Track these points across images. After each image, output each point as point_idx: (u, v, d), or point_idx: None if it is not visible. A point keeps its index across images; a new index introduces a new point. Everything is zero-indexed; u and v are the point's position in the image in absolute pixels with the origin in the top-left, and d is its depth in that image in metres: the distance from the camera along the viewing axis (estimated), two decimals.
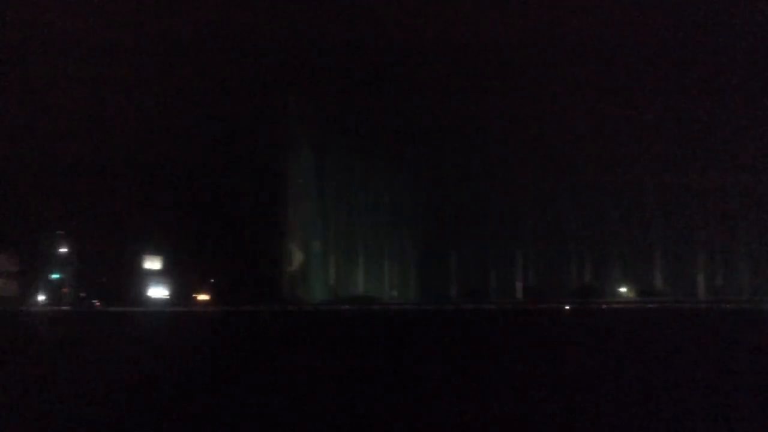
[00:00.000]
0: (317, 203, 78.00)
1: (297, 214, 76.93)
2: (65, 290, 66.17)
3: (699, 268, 68.35)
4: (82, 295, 65.99)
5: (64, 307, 58.81)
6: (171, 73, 65.96)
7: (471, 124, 71.61)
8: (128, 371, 14.26)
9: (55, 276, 67.20)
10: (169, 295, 68.34)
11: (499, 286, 71.77)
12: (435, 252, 76.35)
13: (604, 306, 57.01)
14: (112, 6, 63.43)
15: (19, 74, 61.76)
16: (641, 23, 65.37)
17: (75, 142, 63.83)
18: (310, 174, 78.00)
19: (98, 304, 61.00)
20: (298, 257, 76.52)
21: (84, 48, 63.56)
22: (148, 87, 64.91)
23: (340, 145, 74.15)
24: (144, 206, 64.91)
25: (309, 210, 77.51)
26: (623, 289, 69.47)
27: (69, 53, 63.43)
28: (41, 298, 63.10)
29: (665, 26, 65.61)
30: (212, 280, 66.48)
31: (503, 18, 68.54)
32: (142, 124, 65.82)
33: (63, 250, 65.62)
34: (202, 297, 69.21)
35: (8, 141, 61.96)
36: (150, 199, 65.24)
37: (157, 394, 11.05)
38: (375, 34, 70.22)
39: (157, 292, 69.34)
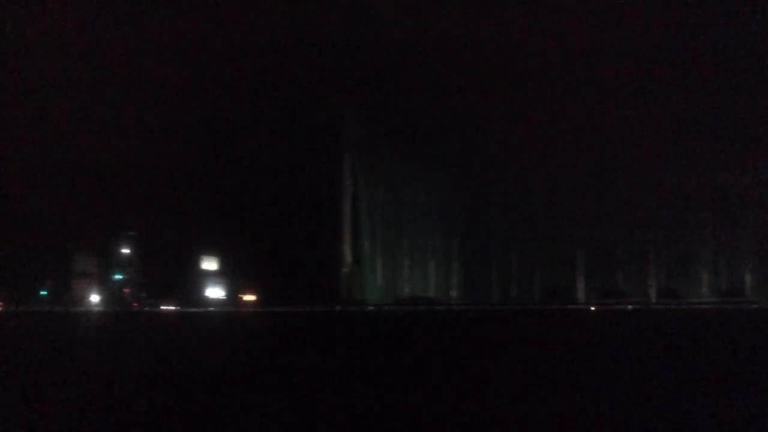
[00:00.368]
0: (370, 203, 78.35)
1: (349, 214, 77.44)
2: (127, 291, 67.92)
3: None
4: (143, 295, 69.28)
5: (116, 309, 60.53)
6: (225, 75, 67.06)
7: (524, 121, 71.44)
8: (194, 372, 14.48)
9: (117, 277, 68.55)
10: (226, 295, 69.54)
11: (562, 287, 71.21)
12: (492, 252, 75.89)
13: (684, 307, 56.17)
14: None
15: (94, 78, 63.78)
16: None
17: (141, 147, 65.62)
18: (360, 174, 78.36)
19: (135, 304, 62.66)
20: (352, 257, 76.92)
21: (151, 54, 65.36)
22: (204, 90, 66.28)
23: (390, 144, 74.36)
24: (203, 207, 66.52)
25: (362, 210, 77.91)
26: (703, 290, 68.04)
27: (141, 58, 65.32)
28: (98, 298, 64.72)
29: None
30: (259, 281, 67.52)
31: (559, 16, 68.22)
32: (200, 127, 67.36)
33: (125, 250, 67.38)
34: (248, 297, 69.34)
35: (88, 146, 64.04)
36: (208, 201, 66.74)
37: (225, 394, 11.20)
38: (419, 35, 70.46)
39: (215, 292, 70.67)
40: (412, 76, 70.61)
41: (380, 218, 77.68)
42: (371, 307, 64.27)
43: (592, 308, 60.92)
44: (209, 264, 69.09)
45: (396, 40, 70.03)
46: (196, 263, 67.92)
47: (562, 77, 69.73)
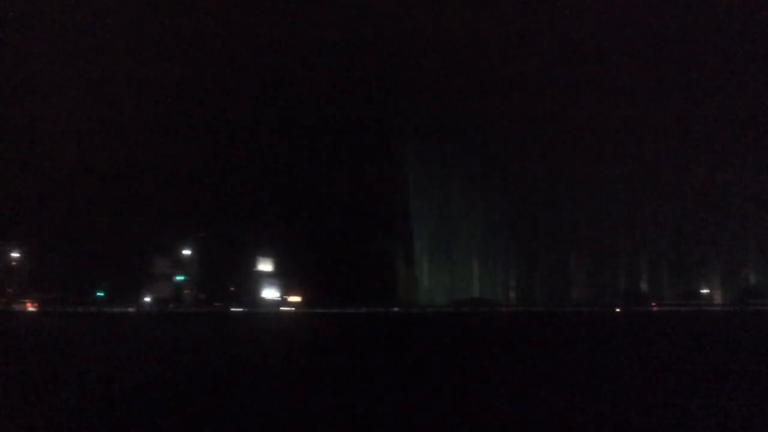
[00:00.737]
0: (431, 208, 77.72)
1: (410, 218, 76.84)
2: (187, 291, 70.60)
3: None
4: (201, 296, 69.27)
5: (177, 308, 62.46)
6: (282, 82, 68.04)
7: (585, 123, 70.59)
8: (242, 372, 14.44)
9: (179, 278, 70.60)
10: (281, 296, 70.11)
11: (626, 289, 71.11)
12: (553, 254, 74.56)
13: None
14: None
15: (171, 84, 64.81)
16: None
17: (200, 154, 67.24)
18: (421, 179, 77.48)
19: (171, 305, 64.25)
20: (408, 259, 76.15)
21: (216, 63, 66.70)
22: (260, 99, 67.35)
23: (452, 149, 74.43)
24: (261, 212, 68.15)
25: (418, 213, 77.16)
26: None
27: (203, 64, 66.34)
28: (149, 299, 67.16)
29: None
30: (315, 282, 67.79)
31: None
32: (260, 134, 68.35)
33: (187, 253, 71.06)
34: (293, 298, 70.62)
35: (148, 152, 65.68)
36: (267, 206, 68.48)
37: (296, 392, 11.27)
38: (469, 39, 70.62)
39: (270, 293, 71.94)
40: (466, 78, 70.96)
41: (437, 221, 77.37)
42: (429, 309, 64.51)
43: (681, 308, 60.82)
44: (265, 266, 70.19)
45: (450, 44, 70.09)
46: (252, 265, 68.98)
47: (624, 78, 68.93)
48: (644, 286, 71.85)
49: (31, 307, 60.98)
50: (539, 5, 69.76)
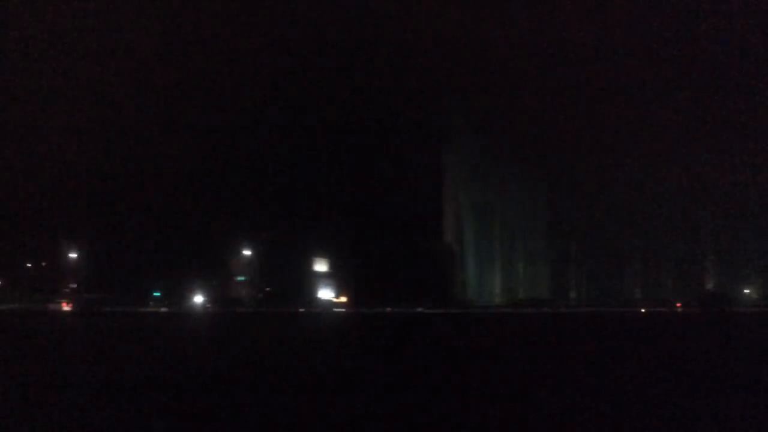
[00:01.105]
0: (483, 209, 76.84)
1: (461, 218, 76.31)
2: (247, 291, 69.83)
3: None
4: (260, 296, 70.30)
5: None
6: (330, 88, 68.41)
7: (639, 122, 68.68)
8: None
9: (240, 278, 72.10)
10: (336, 296, 70.18)
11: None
12: (614, 255, 72.81)
13: None
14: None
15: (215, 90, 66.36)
16: None
17: (259, 157, 68.09)
18: (471, 180, 76.43)
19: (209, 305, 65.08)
20: (461, 260, 75.69)
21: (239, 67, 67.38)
22: (323, 103, 67.87)
23: (508, 147, 72.98)
24: (317, 214, 68.50)
25: (475, 213, 76.49)
26: None
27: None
28: (200, 299, 67.61)
29: None
30: (369, 283, 67.61)
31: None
32: (314, 139, 69.12)
33: (246, 253, 69.50)
34: (341, 299, 70.13)
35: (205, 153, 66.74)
36: (321, 207, 68.75)
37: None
38: (518, 40, 68.92)
39: (326, 293, 72.47)
40: (516, 79, 69.62)
41: (496, 221, 76.45)
42: (491, 309, 64.23)
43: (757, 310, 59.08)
44: (321, 266, 70.23)
45: (495, 44, 68.98)
46: (310, 266, 69.09)
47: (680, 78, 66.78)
48: (722, 288, 68.56)
49: (66, 307, 62.16)
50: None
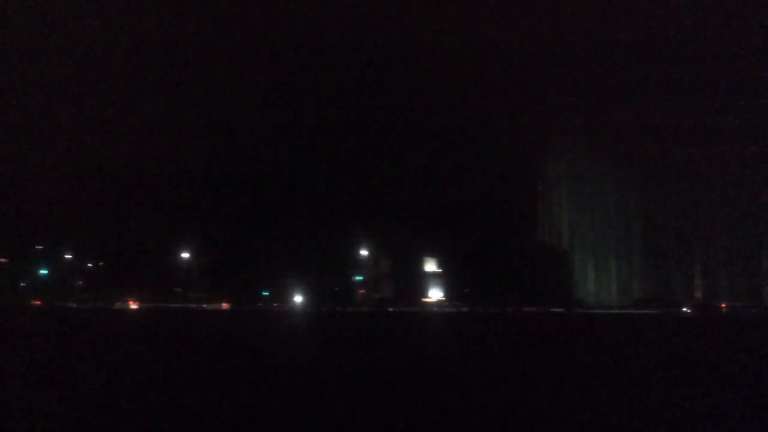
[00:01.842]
0: (592, 204, 73.96)
1: (553, 220, 73.96)
2: (362, 292, 69.27)
3: None
4: (376, 296, 71.53)
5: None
6: (433, 86, 67.54)
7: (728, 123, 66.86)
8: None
9: (358, 278, 71.21)
10: (445, 296, 68.37)
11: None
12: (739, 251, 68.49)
13: None
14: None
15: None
16: None
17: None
18: (560, 181, 75.60)
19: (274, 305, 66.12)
20: (571, 259, 72.97)
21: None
22: (423, 108, 67.16)
23: (588, 153, 71.50)
24: (427, 213, 68.67)
25: (583, 211, 73.67)
26: None
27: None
28: (302, 298, 67.84)
29: None
30: (476, 283, 65.84)
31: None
32: (422, 143, 68.94)
33: (363, 252, 68.88)
34: (428, 299, 70.09)
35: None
36: (430, 207, 68.87)
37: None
38: (612, 42, 67.66)
39: (435, 293, 70.17)
40: (612, 81, 68.37)
41: (611, 221, 73.31)
42: (614, 309, 62.80)
43: None
44: (431, 266, 68.71)
45: (588, 49, 67.87)
46: (421, 266, 67.69)
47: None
48: None
49: (132, 305, 64.84)
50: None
